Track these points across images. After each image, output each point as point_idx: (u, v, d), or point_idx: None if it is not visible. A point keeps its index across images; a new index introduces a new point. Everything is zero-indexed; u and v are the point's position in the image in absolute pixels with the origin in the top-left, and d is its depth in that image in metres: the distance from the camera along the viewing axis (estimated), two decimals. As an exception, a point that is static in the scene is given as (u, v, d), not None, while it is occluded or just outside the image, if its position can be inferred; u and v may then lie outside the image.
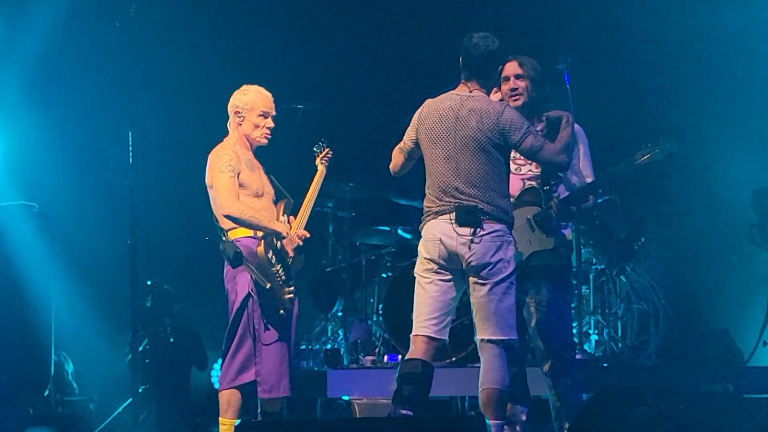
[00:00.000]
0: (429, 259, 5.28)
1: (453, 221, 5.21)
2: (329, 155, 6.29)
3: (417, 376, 5.19)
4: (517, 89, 5.63)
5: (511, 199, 5.53)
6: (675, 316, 8.35)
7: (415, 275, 5.35)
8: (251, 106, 5.84)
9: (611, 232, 8.19)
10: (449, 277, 5.27)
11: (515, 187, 5.62)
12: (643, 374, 7.42)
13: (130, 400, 6.98)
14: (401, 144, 5.51)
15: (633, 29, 8.88)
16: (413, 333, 5.30)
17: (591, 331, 8.20)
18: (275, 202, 5.94)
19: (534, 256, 5.55)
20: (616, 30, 8.88)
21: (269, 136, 5.91)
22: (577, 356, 5.86)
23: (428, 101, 5.44)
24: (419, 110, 5.44)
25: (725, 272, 8.66)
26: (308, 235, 5.90)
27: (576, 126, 5.77)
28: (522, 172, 5.70)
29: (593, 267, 8.27)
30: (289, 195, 5.99)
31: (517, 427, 5.65)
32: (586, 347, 7.92)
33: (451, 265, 5.25)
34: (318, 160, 6.29)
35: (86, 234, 8.59)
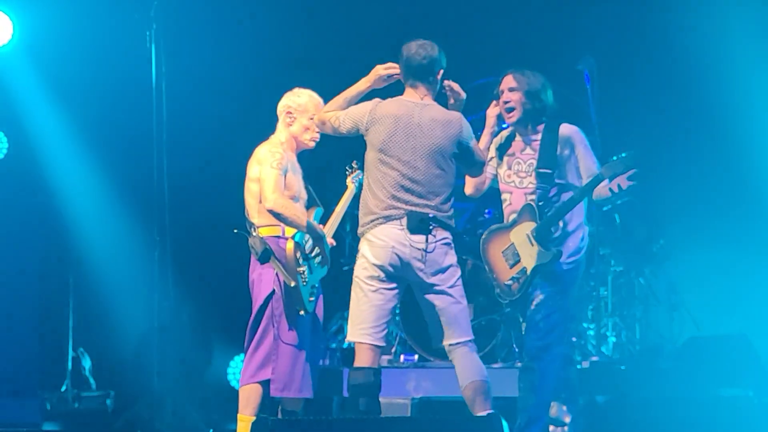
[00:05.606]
0: (377, 266, 5.27)
1: (404, 227, 5.24)
2: (360, 176, 6.35)
3: (371, 385, 5.27)
4: (509, 102, 5.65)
5: (514, 215, 5.61)
6: (694, 319, 8.31)
7: (356, 279, 5.36)
8: (304, 108, 5.94)
9: (630, 233, 8.16)
10: (393, 285, 5.30)
11: (519, 201, 5.64)
12: (661, 377, 7.38)
13: (146, 396, 7.00)
14: (334, 120, 5.44)
15: (659, 26, 8.82)
16: (357, 340, 5.32)
17: (609, 333, 8.17)
18: (307, 208, 6.01)
19: (537, 269, 5.54)
20: (641, 27, 8.83)
21: (317, 140, 5.98)
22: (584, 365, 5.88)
23: (378, 103, 5.42)
24: (371, 109, 5.40)
25: (745, 275, 8.61)
26: (335, 244, 6.02)
27: (571, 127, 5.72)
28: (524, 186, 5.67)
29: (611, 269, 8.24)
30: (320, 203, 6.05)
31: (559, 429, 5.69)
32: (603, 349, 7.90)
33: (398, 273, 5.28)
34: (349, 179, 6.41)
35: (105, 228, 8.60)
